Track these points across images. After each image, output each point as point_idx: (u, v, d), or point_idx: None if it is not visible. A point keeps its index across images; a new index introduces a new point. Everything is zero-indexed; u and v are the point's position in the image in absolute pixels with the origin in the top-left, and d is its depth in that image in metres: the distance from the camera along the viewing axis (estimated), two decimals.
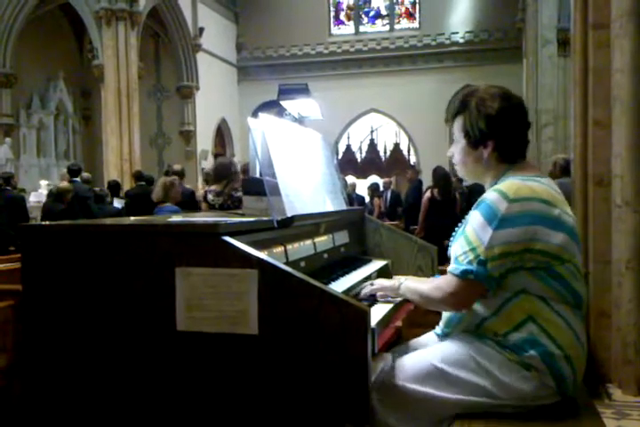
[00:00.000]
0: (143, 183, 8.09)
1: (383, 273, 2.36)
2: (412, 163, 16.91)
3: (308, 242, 2.06)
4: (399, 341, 2.11)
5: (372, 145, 17.83)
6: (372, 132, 17.78)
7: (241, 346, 1.46)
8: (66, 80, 14.77)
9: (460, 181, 8.20)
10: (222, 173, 4.71)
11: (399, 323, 1.90)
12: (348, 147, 17.75)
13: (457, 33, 16.43)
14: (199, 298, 1.49)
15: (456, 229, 1.77)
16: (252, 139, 1.87)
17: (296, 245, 1.94)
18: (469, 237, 1.60)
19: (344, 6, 18.03)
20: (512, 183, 1.63)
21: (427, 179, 9.50)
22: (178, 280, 1.50)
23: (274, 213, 1.75)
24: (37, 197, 10.67)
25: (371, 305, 1.79)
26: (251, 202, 2.05)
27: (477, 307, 1.66)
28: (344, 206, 2.48)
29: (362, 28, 17.86)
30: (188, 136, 15.44)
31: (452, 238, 1.76)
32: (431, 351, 1.72)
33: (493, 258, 1.56)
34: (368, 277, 2.14)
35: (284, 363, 1.43)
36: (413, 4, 17.54)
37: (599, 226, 3.23)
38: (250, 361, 1.46)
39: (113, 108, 12.02)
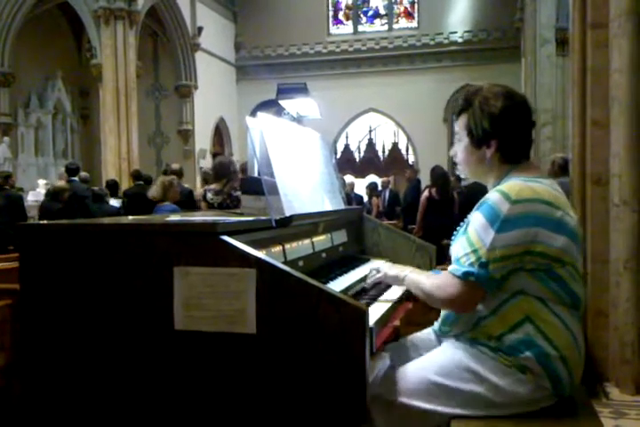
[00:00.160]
0: (141, 182, 8.10)
1: None
2: (410, 162, 16.91)
3: (307, 241, 2.06)
4: (397, 340, 2.11)
5: (371, 144, 17.83)
6: (370, 131, 17.77)
7: (239, 345, 1.46)
8: (64, 79, 14.76)
9: (459, 180, 8.20)
10: (222, 172, 4.71)
11: (397, 322, 1.89)
12: (347, 146, 17.74)
13: (455, 32, 16.43)
14: (197, 297, 1.49)
15: (457, 228, 1.76)
16: (251, 138, 1.87)
17: (294, 244, 1.94)
18: (471, 239, 1.60)
19: (343, 6, 18.02)
20: (514, 184, 1.62)
21: (425, 178, 9.51)
22: (176, 279, 1.50)
23: (272, 212, 1.74)
24: (35, 196, 10.66)
25: (369, 304, 1.79)
26: (249, 201, 2.05)
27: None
28: (342, 206, 2.48)
29: (360, 28, 17.85)
30: (187, 135, 15.43)
31: (453, 237, 1.76)
32: (426, 363, 1.72)
33: (495, 260, 1.56)
34: (366, 277, 2.14)
35: (281, 362, 1.43)
36: (412, 4, 17.53)
37: (597, 225, 3.24)
38: (248, 360, 1.46)
39: (111, 108, 12.00)
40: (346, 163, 16.72)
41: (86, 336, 1.60)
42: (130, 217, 2.36)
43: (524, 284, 1.60)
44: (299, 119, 5.92)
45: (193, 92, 15.38)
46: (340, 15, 18.04)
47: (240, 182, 3.03)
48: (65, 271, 1.62)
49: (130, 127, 12.19)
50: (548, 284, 1.60)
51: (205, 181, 8.25)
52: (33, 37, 13.93)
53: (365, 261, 2.46)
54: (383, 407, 1.67)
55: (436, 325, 1.86)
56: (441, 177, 6.99)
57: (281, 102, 5.82)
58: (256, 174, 2.00)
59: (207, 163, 14.31)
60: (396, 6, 17.75)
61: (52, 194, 7.17)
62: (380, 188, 11.86)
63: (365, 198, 11.30)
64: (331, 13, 17.94)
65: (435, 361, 1.70)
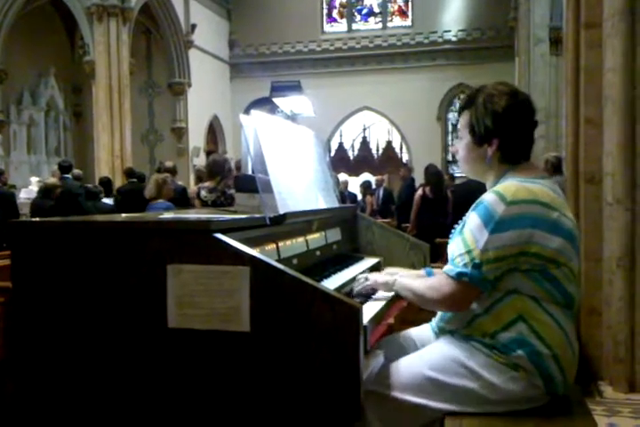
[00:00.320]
0: (135, 180, 8.07)
1: (375, 271, 2.35)
2: (404, 161, 16.90)
3: (301, 239, 2.06)
4: None
5: (365, 143, 17.81)
6: (364, 129, 17.75)
7: (232, 343, 1.46)
8: (57, 76, 14.67)
9: (453, 178, 8.21)
10: (216, 170, 4.70)
11: (391, 320, 1.90)
12: (341, 144, 17.72)
13: (449, 31, 16.43)
14: (191, 295, 1.48)
15: (455, 227, 1.76)
16: (245, 136, 1.86)
17: (288, 242, 1.94)
18: (466, 239, 1.60)
19: (337, 4, 17.98)
20: (511, 185, 1.62)
21: (419, 177, 9.51)
22: (169, 277, 1.50)
23: (266, 210, 1.74)
24: (28, 193, 10.60)
25: (363, 302, 1.79)
26: (243, 199, 2.05)
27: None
28: (336, 204, 2.48)
29: (354, 26, 17.83)
30: (180, 133, 15.37)
31: (450, 236, 1.76)
32: (420, 358, 1.72)
33: (488, 261, 1.56)
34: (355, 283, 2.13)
35: (275, 360, 1.43)
36: (406, 2, 17.51)
37: (590, 224, 3.25)
38: (241, 358, 1.45)
39: (104, 105, 11.95)
40: (340, 161, 16.70)
41: (79, 334, 1.59)
42: (123, 215, 2.35)
43: (517, 283, 1.61)
44: (292, 117, 5.92)
45: (186, 89, 15.33)
46: (335, 13, 18.01)
47: (234, 180, 3.02)
48: (58, 269, 1.61)
49: (123, 125, 12.15)
50: (542, 284, 1.60)
51: (199, 178, 8.23)
52: (25, 34, 13.84)
53: (359, 259, 2.46)
54: (376, 402, 1.67)
55: (434, 321, 1.86)
56: (435, 176, 7.00)
57: (275, 100, 5.83)
58: (250, 172, 1.99)
59: (201, 161, 14.26)
60: (390, 5, 17.73)
61: (44, 191, 7.13)
62: (373, 186, 11.86)
63: (359, 197, 11.29)
64: (325, 11, 17.90)
65: (429, 356, 1.70)
